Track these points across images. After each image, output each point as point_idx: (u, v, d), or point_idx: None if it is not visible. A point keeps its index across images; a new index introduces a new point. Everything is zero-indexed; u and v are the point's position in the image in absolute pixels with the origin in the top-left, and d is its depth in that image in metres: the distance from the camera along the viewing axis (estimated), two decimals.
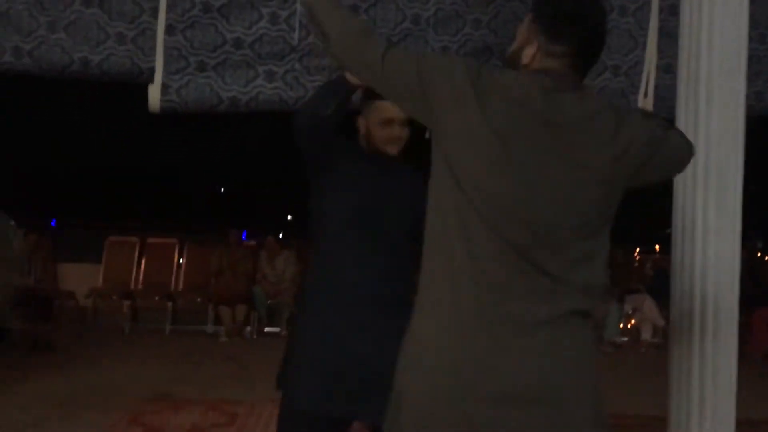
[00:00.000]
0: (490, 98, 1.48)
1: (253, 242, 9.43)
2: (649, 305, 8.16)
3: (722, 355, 2.05)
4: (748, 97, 3.31)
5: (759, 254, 9.14)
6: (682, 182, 2.19)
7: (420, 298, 1.55)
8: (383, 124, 2.19)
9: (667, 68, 3.11)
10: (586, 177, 1.49)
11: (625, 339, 8.32)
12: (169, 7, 2.90)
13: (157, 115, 2.96)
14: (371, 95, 2.16)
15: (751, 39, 3.35)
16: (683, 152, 1.62)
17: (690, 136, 2.16)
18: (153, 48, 2.93)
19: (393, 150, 2.21)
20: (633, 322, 8.55)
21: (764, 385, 5.75)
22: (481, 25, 3.03)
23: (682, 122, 2.18)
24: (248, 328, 7.98)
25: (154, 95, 2.90)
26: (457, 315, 1.48)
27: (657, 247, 11.47)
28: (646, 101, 3.23)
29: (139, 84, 3.01)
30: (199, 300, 8.16)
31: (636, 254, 10.65)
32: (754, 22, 3.35)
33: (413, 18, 3.00)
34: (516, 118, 1.48)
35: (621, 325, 8.51)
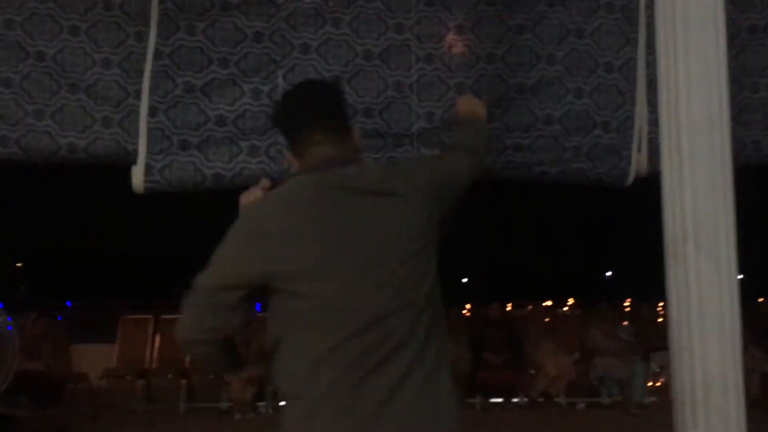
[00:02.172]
0: (270, 226, 1.92)
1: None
2: None
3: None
4: (745, 146, 3.23)
5: None
6: (672, 237, 2.09)
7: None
8: None
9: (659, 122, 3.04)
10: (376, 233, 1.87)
11: (654, 399, 8.00)
12: (152, 89, 2.92)
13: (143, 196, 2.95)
14: None
15: (743, 87, 3.29)
16: (461, 161, 2.18)
17: (675, 190, 2.08)
18: (137, 129, 2.94)
19: None
20: (662, 380, 8.24)
21: None
22: (464, 89, 3.00)
23: (667, 177, 2.10)
24: (263, 404, 7.82)
25: (138, 176, 2.90)
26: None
27: None
28: (639, 156, 3.16)
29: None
30: (212, 376, 8.03)
31: (660, 308, 10.35)
32: (746, 71, 3.29)
33: (395, 85, 2.99)
34: (297, 217, 1.91)
35: (649, 384, 8.21)
